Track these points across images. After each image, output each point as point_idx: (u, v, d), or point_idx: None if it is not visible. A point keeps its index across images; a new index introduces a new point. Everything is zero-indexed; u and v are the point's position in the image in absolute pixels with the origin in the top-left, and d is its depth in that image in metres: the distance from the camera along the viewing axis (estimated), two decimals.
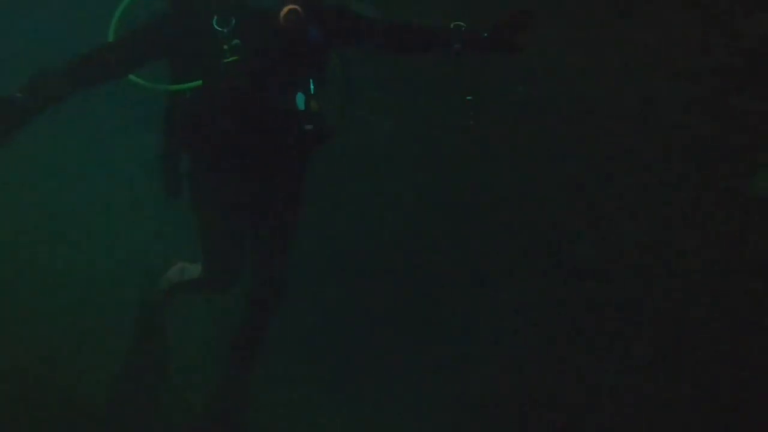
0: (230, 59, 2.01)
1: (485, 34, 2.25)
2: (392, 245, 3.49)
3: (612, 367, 2.93)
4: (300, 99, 2.15)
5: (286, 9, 1.92)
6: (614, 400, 2.86)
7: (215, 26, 2.00)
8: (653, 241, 2.95)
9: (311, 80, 2.18)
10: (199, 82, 2.12)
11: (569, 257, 3.17)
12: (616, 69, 2.94)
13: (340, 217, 3.52)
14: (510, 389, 2.95)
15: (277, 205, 2.49)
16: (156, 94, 2.23)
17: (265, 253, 2.62)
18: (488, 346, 3.11)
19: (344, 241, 3.52)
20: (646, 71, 2.90)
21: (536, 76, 3.06)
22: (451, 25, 2.27)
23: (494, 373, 3.01)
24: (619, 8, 2.85)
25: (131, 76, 2.13)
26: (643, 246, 2.96)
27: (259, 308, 2.74)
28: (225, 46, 2.00)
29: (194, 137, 2.29)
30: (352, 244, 3.52)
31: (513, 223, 3.24)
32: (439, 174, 3.43)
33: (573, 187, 3.13)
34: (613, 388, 2.88)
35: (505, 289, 3.23)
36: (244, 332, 2.78)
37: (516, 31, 2.24)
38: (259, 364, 2.77)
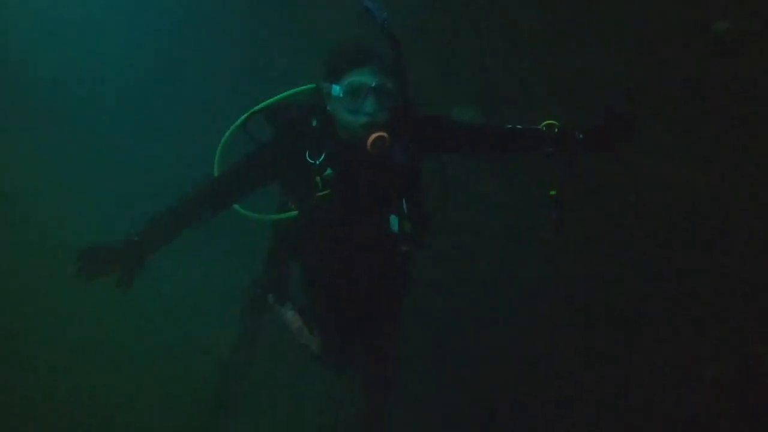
0: (323, 193, 2.07)
1: (580, 135, 2.15)
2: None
3: None
4: (393, 221, 2.16)
5: (372, 137, 1.95)
6: None
7: (308, 159, 2.08)
8: None
9: (404, 200, 2.19)
10: (295, 213, 2.19)
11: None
12: (737, 185, 2.67)
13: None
14: None
15: (380, 310, 2.50)
16: (260, 222, 2.33)
17: (373, 353, 2.65)
18: None
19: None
20: None
21: (648, 185, 2.86)
22: (543, 126, 2.20)
23: None
24: (744, 123, 2.61)
25: (236, 206, 2.26)
26: None
27: (371, 400, 2.80)
28: (317, 178, 2.06)
29: (296, 256, 2.38)
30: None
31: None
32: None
33: (695, 307, 2.85)
34: None
35: None
36: (362, 420, 2.84)
37: (615, 134, 2.12)
38: None
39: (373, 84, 1.97)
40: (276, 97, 2.27)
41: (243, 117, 2.19)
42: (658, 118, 2.75)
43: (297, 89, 2.29)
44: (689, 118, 2.76)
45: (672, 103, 2.79)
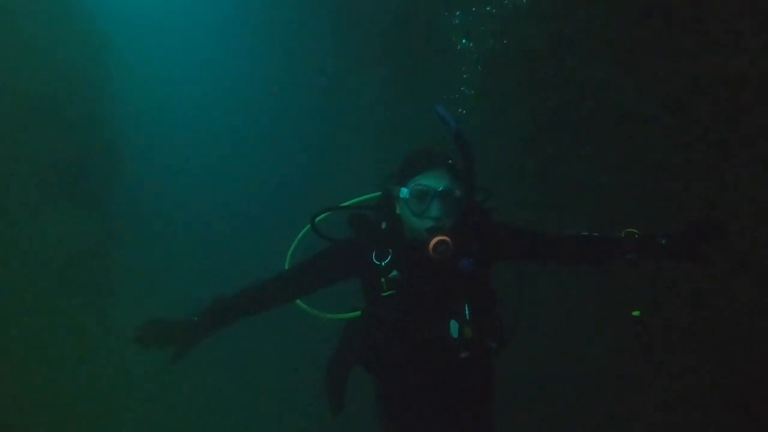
0: (387, 293, 2.05)
1: (663, 241, 2.06)
2: None
3: None
4: (453, 327, 2.06)
5: (434, 241, 1.94)
6: None
7: (374, 260, 2.09)
8: None
9: (466, 306, 2.09)
10: (358, 313, 2.17)
11: None
12: None
13: None
14: None
15: (459, 422, 2.32)
16: (320, 320, 2.32)
17: None
18: None
19: None
20: None
21: None
22: (623, 233, 2.12)
23: None
24: None
25: (298, 302, 2.27)
26: None
27: None
28: (383, 279, 2.06)
29: (361, 357, 2.29)
30: None
31: None
32: None
33: None
34: None
35: None
36: None
37: (700, 241, 2.04)
38: None
39: (440, 188, 1.99)
40: (350, 201, 2.36)
41: (319, 217, 2.26)
42: None
43: (370, 195, 2.37)
44: None
45: None
